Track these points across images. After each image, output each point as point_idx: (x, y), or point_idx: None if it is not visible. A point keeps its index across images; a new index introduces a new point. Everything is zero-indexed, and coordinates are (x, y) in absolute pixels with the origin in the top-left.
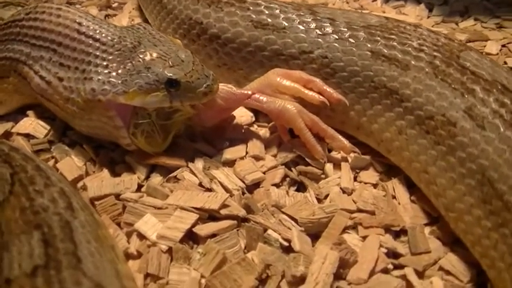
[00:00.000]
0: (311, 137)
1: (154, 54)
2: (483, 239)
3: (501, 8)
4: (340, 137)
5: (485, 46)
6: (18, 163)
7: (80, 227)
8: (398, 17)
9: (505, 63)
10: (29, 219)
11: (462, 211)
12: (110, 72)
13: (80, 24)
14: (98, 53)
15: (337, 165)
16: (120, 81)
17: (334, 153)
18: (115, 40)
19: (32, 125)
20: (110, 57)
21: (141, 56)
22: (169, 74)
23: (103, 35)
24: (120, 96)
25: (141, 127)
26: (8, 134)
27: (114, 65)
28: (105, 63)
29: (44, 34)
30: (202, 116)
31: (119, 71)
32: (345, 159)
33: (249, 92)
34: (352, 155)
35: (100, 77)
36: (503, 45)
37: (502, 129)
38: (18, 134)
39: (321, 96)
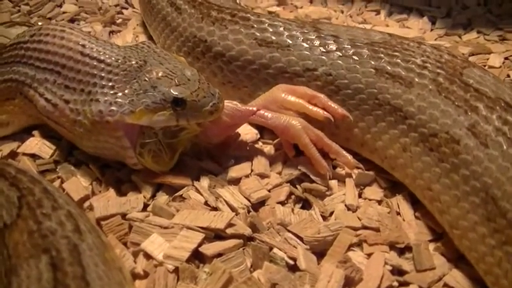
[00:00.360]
0: (316, 153)
1: (160, 73)
2: (487, 257)
3: (504, 20)
4: (344, 152)
5: (488, 59)
6: (25, 186)
7: (88, 250)
8: (401, 30)
9: (508, 76)
10: (37, 242)
11: (466, 228)
12: (116, 93)
13: (83, 46)
14: (103, 74)
15: (341, 182)
16: (127, 101)
17: (338, 170)
18: (120, 60)
19: (37, 145)
20: (116, 78)
21: (147, 75)
22: (175, 93)
23: (107, 56)
24: (127, 116)
25: (148, 146)
26: (14, 154)
27: (120, 85)
28: (111, 84)
29: (47, 56)
30: (208, 133)
31: (126, 91)
32: (349, 176)
33: (254, 108)
34: (356, 171)
35: (106, 98)
36: (506, 58)
37: (505, 147)
38: (24, 154)
39: (325, 112)
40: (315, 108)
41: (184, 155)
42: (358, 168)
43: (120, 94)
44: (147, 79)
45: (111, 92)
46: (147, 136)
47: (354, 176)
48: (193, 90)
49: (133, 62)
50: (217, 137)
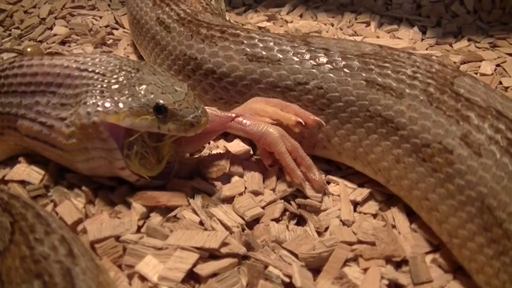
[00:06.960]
0: (291, 161)
1: (150, 81)
2: (486, 267)
3: (494, 26)
4: (315, 169)
5: (479, 67)
6: (18, 211)
7: (81, 274)
8: (392, 41)
9: (501, 83)
10: (30, 268)
11: (465, 238)
12: (104, 96)
13: (77, 61)
14: (97, 83)
15: (336, 197)
16: (112, 102)
17: (332, 185)
18: (115, 70)
19: (25, 171)
20: (108, 86)
21: (137, 81)
22: (157, 100)
23: (103, 67)
24: (110, 116)
25: (135, 149)
26: (4, 181)
27: (110, 89)
28: (101, 89)
29: (36, 79)
30: (183, 141)
31: (113, 94)
32: (344, 192)
33: (233, 115)
34: (350, 185)
35: (94, 101)
36: (498, 65)
37: (498, 156)
38: (13, 181)
39: (296, 117)
40: (288, 114)
41: (176, 175)
42: (325, 193)
43: (107, 96)
44: (136, 85)
45: (100, 95)
46: (133, 139)
47: (349, 192)
48: (177, 100)
49: (127, 71)
50: (193, 146)
